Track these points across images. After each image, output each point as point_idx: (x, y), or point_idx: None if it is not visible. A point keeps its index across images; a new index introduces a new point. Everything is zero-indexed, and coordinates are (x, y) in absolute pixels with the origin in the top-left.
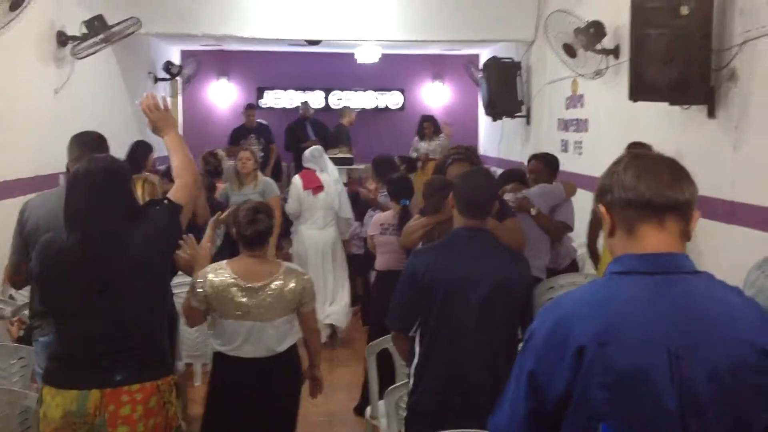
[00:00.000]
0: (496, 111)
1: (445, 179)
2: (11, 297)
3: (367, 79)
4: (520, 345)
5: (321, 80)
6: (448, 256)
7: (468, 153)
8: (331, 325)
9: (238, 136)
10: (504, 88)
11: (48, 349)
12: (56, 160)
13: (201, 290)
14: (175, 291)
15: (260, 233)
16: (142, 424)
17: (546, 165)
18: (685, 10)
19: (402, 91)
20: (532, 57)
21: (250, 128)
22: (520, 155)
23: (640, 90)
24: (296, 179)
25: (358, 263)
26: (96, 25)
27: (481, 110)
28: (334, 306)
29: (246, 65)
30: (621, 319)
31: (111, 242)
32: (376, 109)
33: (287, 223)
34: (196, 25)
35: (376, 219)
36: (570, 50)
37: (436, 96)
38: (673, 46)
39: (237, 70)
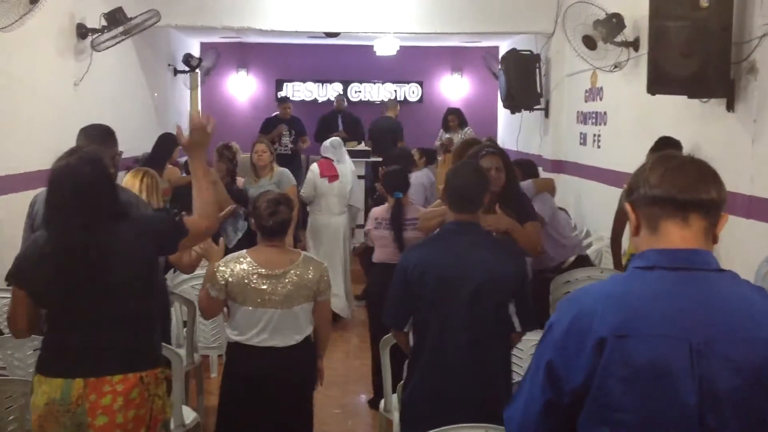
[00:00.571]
0: (514, 104)
1: None
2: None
3: (386, 71)
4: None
5: (340, 72)
6: (438, 251)
7: (500, 148)
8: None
9: (271, 126)
10: (523, 81)
11: None
12: None
13: (222, 279)
14: (193, 283)
15: (281, 224)
16: (122, 414)
17: (522, 171)
18: (704, 2)
19: (420, 84)
20: (552, 49)
21: (284, 120)
22: (539, 148)
23: (659, 83)
24: (314, 166)
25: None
26: (116, 18)
27: (500, 103)
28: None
29: (265, 57)
30: (642, 312)
31: (89, 237)
32: (396, 102)
33: (304, 213)
34: (216, 17)
35: (372, 213)
36: (590, 42)
37: (454, 88)
38: (692, 39)
39: (256, 63)
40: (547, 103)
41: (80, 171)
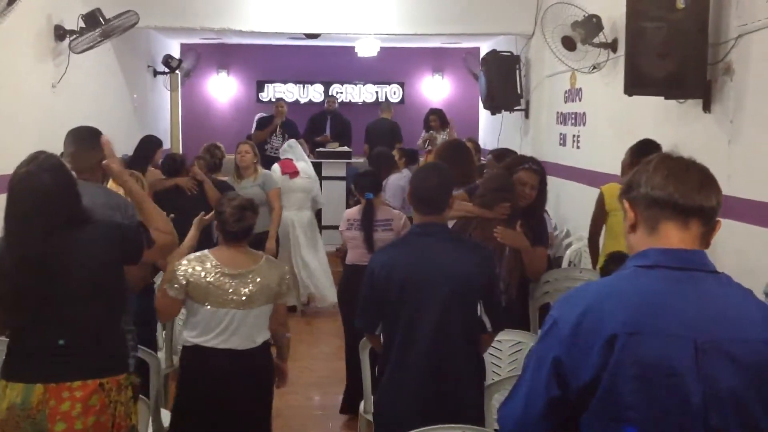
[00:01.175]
0: (494, 104)
1: (510, 181)
2: None
3: (367, 72)
4: (516, 339)
5: (321, 73)
6: (403, 254)
7: (542, 166)
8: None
9: (267, 121)
10: (503, 82)
11: None
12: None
13: (183, 278)
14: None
15: (246, 230)
16: (80, 421)
17: (495, 158)
18: (681, 4)
19: (402, 85)
20: (531, 50)
21: (280, 122)
22: (519, 149)
23: (636, 84)
24: (275, 167)
25: None
26: (94, 19)
27: (481, 103)
28: (314, 276)
29: (246, 58)
30: (651, 310)
31: (48, 245)
32: (376, 102)
33: None
34: (195, 19)
35: (345, 214)
36: (569, 43)
37: (436, 89)
38: (668, 40)
39: (237, 64)
40: (527, 103)
41: (39, 179)
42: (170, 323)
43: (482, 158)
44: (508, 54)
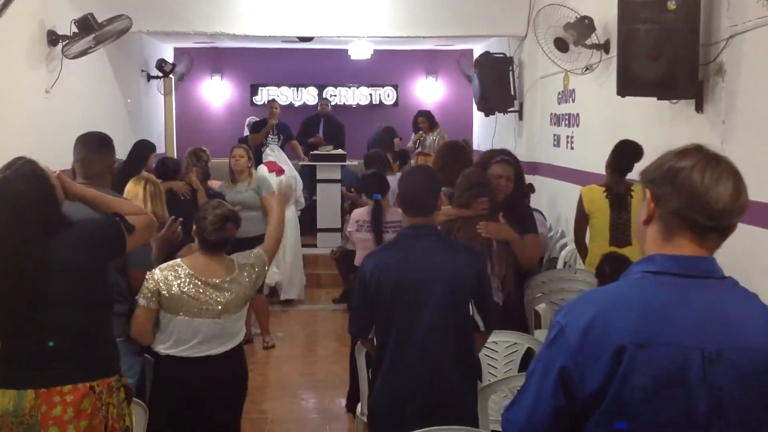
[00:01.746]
0: (488, 106)
1: (484, 177)
2: None
3: (361, 75)
4: (511, 340)
5: (314, 77)
6: (394, 257)
7: (516, 158)
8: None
9: (261, 125)
10: (496, 84)
11: None
12: (48, 159)
13: (155, 287)
14: None
15: (224, 241)
16: (73, 426)
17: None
18: (672, 5)
19: (395, 87)
20: (525, 52)
21: (274, 123)
22: (514, 150)
23: (628, 85)
24: (261, 167)
25: (351, 259)
26: (87, 24)
27: (475, 105)
28: (288, 269)
29: (239, 62)
30: (657, 320)
31: (26, 251)
32: (370, 105)
33: None
34: (188, 23)
35: (353, 215)
36: (562, 44)
37: (429, 91)
38: (660, 41)
39: (230, 68)
40: (521, 105)
41: (14, 186)
42: None
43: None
44: (501, 56)
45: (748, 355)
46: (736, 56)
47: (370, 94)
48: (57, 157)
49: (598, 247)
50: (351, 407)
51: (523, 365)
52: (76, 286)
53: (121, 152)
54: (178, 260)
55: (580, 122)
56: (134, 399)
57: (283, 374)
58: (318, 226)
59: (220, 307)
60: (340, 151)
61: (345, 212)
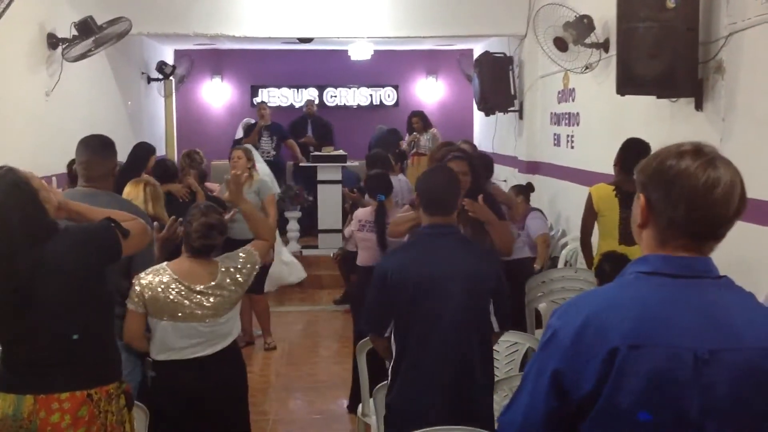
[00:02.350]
0: (488, 106)
1: None
2: None
3: (361, 75)
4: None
5: (315, 77)
6: (416, 256)
7: (467, 153)
8: None
9: (251, 128)
10: (496, 83)
11: None
12: (49, 162)
13: (139, 290)
14: None
15: (208, 248)
16: None
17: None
18: (671, 3)
19: (396, 87)
20: (524, 51)
21: (263, 126)
22: (514, 150)
23: (628, 83)
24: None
25: (352, 260)
26: (86, 27)
27: (475, 105)
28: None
29: (239, 64)
30: (650, 322)
31: (13, 261)
32: (371, 106)
33: (283, 221)
34: (188, 25)
35: (356, 215)
36: (561, 44)
37: (430, 91)
38: (659, 40)
39: (231, 69)
40: (521, 104)
41: None
42: None
43: None
44: (501, 55)
45: (743, 355)
46: (735, 54)
47: (371, 95)
48: (57, 161)
49: (607, 246)
50: (353, 408)
51: (524, 365)
52: (70, 292)
53: (122, 155)
54: (164, 264)
55: (580, 121)
56: (135, 402)
57: (285, 375)
58: (319, 228)
59: (202, 312)
60: (341, 151)
61: (346, 213)
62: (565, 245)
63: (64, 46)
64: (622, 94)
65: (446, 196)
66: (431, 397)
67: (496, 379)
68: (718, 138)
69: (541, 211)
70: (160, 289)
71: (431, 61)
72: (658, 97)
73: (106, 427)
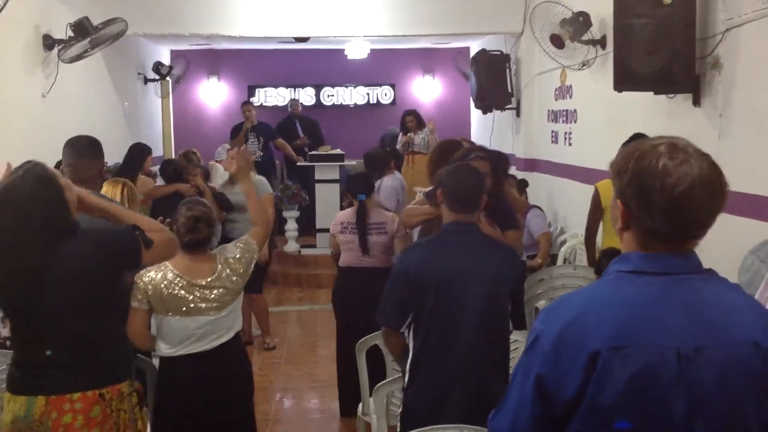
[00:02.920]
0: (485, 104)
1: None
2: None
3: (358, 74)
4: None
5: (311, 77)
6: (439, 252)
7: (491, 153)
8: None
9: (236, 133)
10: (493, 81)
11: None
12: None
13: (143, 288)
14: None
15: (198, 242)
16: None
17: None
18: (668, 0)
19: (393, 86)
20: (521, 49)
21: (249, 127)
22: (512, 147)
23: (625, 80)
24: (218, 166)
25: None
26: (82, 28)
27: (472, 103)
28: None
29: (236, 64)
30: (633, 322)
31: (35, 259)
32: (368, 105)
33: (281, 220)
34: (184, 25)
35: (337, 217)
36: (558, 41)
37: (427, 90)
38: (656, 36)
39: (227, 69)
40: (518, 102)
41: (20, 190)
42: None
43: None
44: (498, 53)
45: (730, 351)
46: (732, 50)
47: (368, 94)
48: (53, 162)
49: (612, 242)
50: (345, 410)
51: None
52: (83, 294)
53: (119, 156)
54: (165, 261)
55: (578, 118)
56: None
57: (284, 375)
58: (317, 227)
59: (206, 305)
60: (338, 151)
61: None
62: (563, 243)
63: (60, 47)
64: (620, 91)
65: (472, 194)
66: (450, 396)
67: None
68: (716, 134)
69: (540, 208)
70: (163, 286)
71: (428, 60)
72: (656, 93)
73: (119, 426)
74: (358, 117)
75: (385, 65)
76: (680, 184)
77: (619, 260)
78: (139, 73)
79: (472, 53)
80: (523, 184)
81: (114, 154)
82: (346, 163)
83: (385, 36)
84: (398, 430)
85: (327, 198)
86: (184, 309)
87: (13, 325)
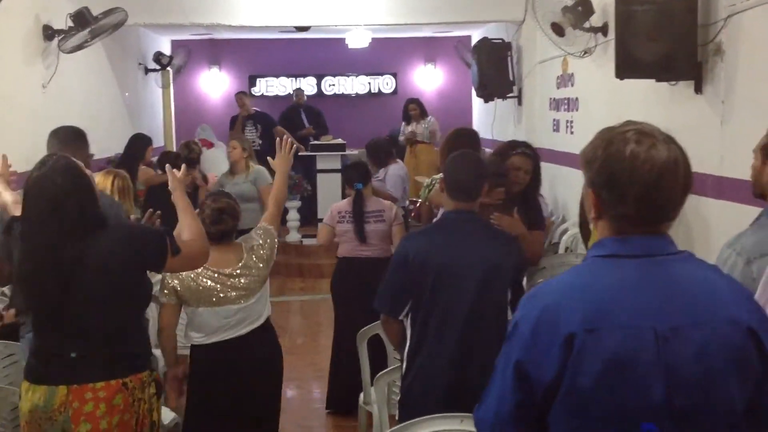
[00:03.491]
0: (487, 92)
1: (503, 167)
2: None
3: (359, 63)
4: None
5: (313, 66)
6: (439, 240)
7: (535, 151)
8: None
9: (233, 123)
10: (495, 69)
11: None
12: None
13: (170, 283)
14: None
15: (223, 233)
16: (105, 421)
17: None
18: None
19: (394, 75)
20: (522, 37)
21: (246, 115)
22: (514, 136)
23: (627, 67)
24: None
25: None
26: (82, 18)
27: (474, 92)
28: None
29: (237, 53)
30: (608, 304)
31: (65, 251)
32: (369, 94)
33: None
34: (185, 15)
35: (334, 208)
36: (558, 29)
37: (428, 79)
38: (658, 23)
39: (228, 59)
40: (520, 90)
41: (52, 181)
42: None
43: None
44: (500, 41)
45: (708, 329)
46: (734, 36)
47: (369, 83)
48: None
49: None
50: (332, 404)
51: None
52: (112, 286)
53: (120, 146)
54: (190, 270)
55: (579, 106)
56: None
57: (287, 365)
58: (319, 217)
59: (236, 293)
60: (340, 140)
61: None
62: (565, 231)
63: (60, 37)
64: (621, 78)
65: (473, 183)
66: (448, 383)
67: None
68: (719, 121)
69: (542, 196)
70: (191, 278)
71: (429, 49)
72: (658, 80)
73: (138, 415)
74: (359, 106)
75: (387, 54)
76: (649, 169)
77: (595, 246)
78: (139, 64)
79: (474, 42)
80: None
81: (115, 145)
82: (347, 152)
83: (386, 25)
84: (397, 418)
85: (329, 188)
86: (214, 299)
87: (37, 316)
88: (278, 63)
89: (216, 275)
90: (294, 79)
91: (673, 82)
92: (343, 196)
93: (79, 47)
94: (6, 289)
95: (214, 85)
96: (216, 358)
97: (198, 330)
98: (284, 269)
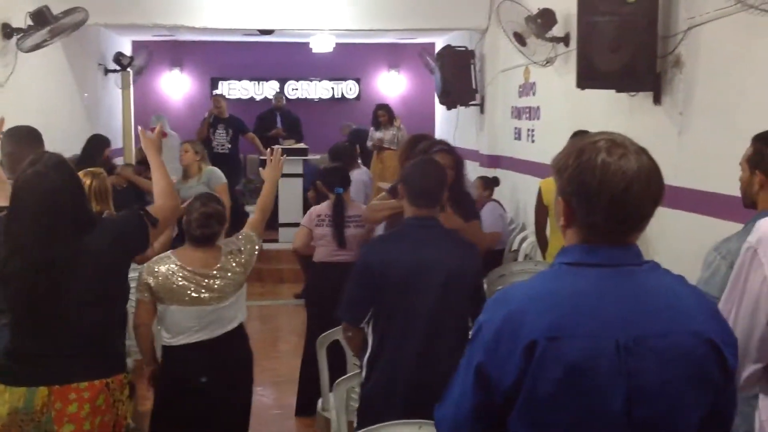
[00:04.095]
0: (450, 99)
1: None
2: None
3: (323, 68)
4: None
5: (276, 70)
6: (400, 247)
7: (451, 146)
8: None
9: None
10: (458, 77)
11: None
12: None
13: (144, 279)
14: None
15: (208, 237)
16: (89, 422)
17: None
18: None
19: (358, 81)
20: (486, 45)
21: (219, 118)
22: (476, 143)
23: (588, 77)
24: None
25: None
26: (42, 17)
27: (437, 99)
28: None
29: (199, 55)
30: (571, 312)
31: (54, 251)
32: (332, 99)
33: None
34: (147, 16)
35: (312, 211)
36: (520, 39)
37: (392, 85)
38: (620, 34)
39: (190, 61)
40: (483, 98)
41: (47, 179)
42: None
43: None
44: (463, 49)
45: (671, 340)
46: (693, 48)
47: (332, 88)
48: None
49: (558, 239)
50: (304, 410)
51: None
52: (100, 285)
53: (77, 147)
54: (168, 252)
55: (541, 115)
56: None
57: None
58: (279, 221)
59: (209, 295)
60: (302, 145)
61: (306, 208)
62: (524, 239)
63: (18, 36)
64: (582, 88)
65: (434, 189)
66: (407, 390)
67: None
68: (676, 132)
69: (499, 203)
70: (165, 276)
71: (393, 55)
72: (618, 90)
73: (116, 416)
74: (322, 111)
75: (351, 60)
76: (619, 180)
77: (562, 253)
78: (99, 64)
79: (438, 49)
80: (494, 182)
81: (73, 146)
82: (309, 157)
83: (351, 30)
84: (355, 425)
85: (290, 192)
86: (186, 299)
87: (18, 316)
88: (241, 66)
89: (191, 275)
90: (257, 82)
91: (633, 93)
92: (305, 201)
93: (38, 46)
94: None
95: (176, 86)
96: (184, 359)
97: (167, 330)
98: None
